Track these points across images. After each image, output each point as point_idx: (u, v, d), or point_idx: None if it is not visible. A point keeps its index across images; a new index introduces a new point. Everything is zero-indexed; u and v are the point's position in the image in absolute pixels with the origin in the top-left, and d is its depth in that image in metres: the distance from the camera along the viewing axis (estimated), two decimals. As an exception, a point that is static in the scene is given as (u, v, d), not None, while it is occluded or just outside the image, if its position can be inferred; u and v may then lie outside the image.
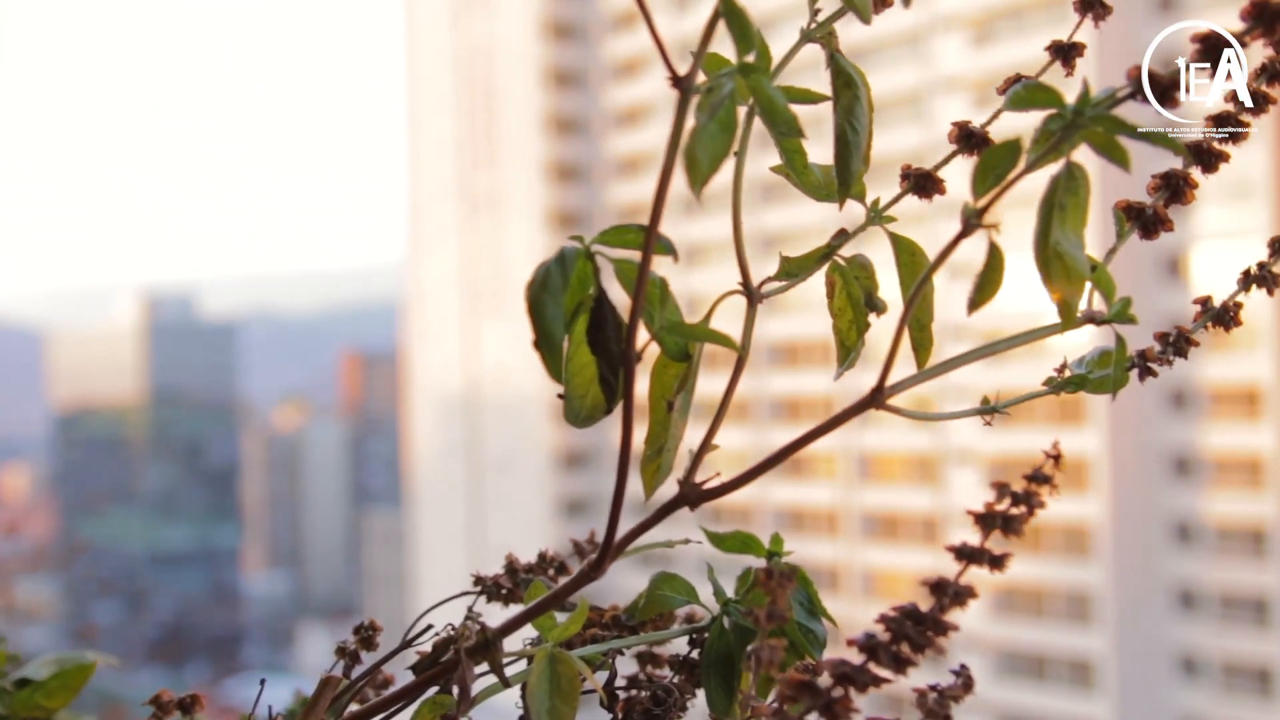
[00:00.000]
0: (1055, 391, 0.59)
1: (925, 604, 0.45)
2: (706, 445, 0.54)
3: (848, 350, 0.57)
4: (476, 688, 0.52)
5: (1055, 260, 0.51)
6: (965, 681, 0.45)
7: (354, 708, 0.58)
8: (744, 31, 0.48)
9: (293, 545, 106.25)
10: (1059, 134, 0.50)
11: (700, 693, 0.57)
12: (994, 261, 0.54)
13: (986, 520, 0.48)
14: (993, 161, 0.51)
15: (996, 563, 0.47)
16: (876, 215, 0.56)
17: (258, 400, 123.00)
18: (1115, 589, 32.69)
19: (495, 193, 47.54)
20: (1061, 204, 0.50)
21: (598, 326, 0.52)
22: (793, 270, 0.56)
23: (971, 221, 0.51)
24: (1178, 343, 0.57)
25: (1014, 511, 0.48)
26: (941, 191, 0.59)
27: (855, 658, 0.43)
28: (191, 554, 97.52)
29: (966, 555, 0.47)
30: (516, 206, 46.48)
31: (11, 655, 1.18)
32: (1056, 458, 0.49)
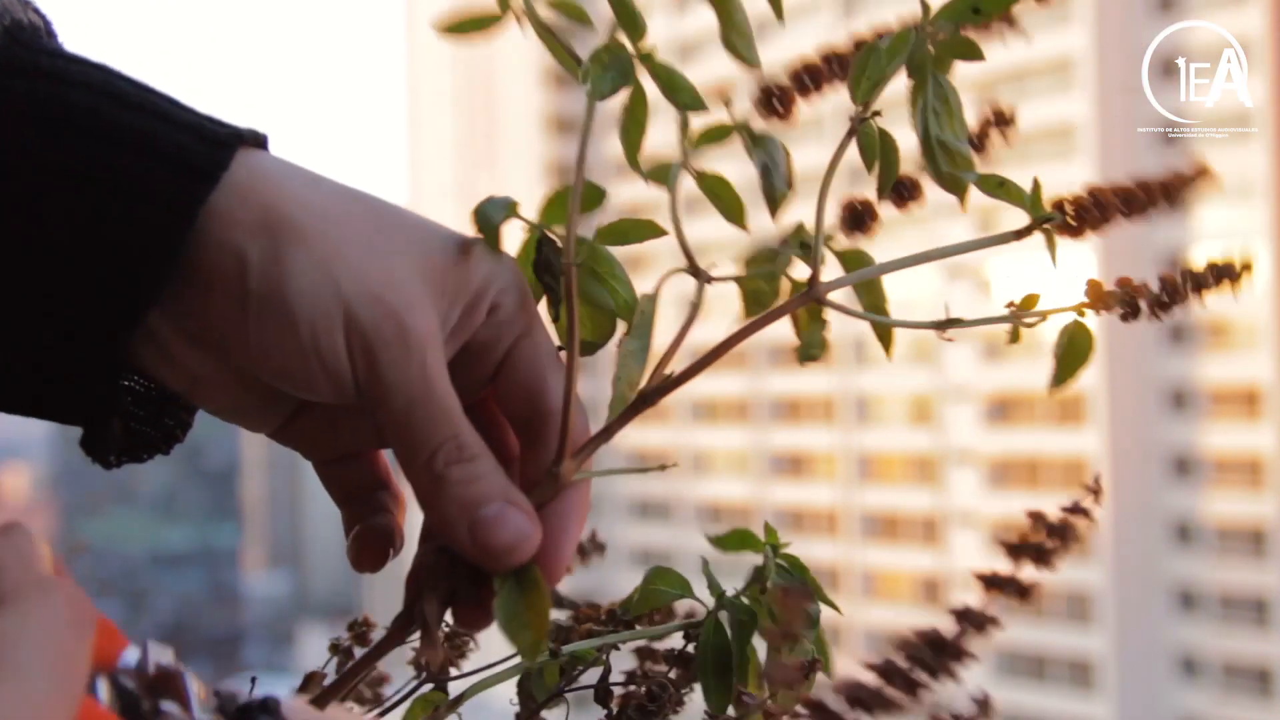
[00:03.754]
0: (1014, 324, 0.58)
1: (948, 629, 0.45)
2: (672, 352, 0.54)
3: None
4: (465, 684, 0.52)
5: (940, 149, 0.55)
6: (984, 708, 0.45)
7: (350, 704, 0.58)
8: (631, 19, 0.54)
9: (293, 545, 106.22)
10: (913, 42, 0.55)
11: (697, 688, 0.58)
12: (888, 146, 0.59)
13: (1018, 551, 0.47)
14: (865, 65, 0.55)
15: (1025, 593, 0.46)
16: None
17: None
18: (1115, 589, 32.69)
19: (495, 193, 47.39)
20: (935, 109, 0.55)
21: (539, 254, 0.58)
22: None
23: (857, 121, 0.55)
24: (1183, 285, 0.55)
25: (1049, 544, 0.47)
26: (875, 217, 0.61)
27: (870, 680, 0.43)
28: (191, 554, 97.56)
29: (995, 584, 0.46)
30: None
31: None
32: (1098, 492, 0.48)
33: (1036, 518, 0.47)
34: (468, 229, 0.60)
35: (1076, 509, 0.48)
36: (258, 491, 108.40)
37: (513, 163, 47.06)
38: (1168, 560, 32.72)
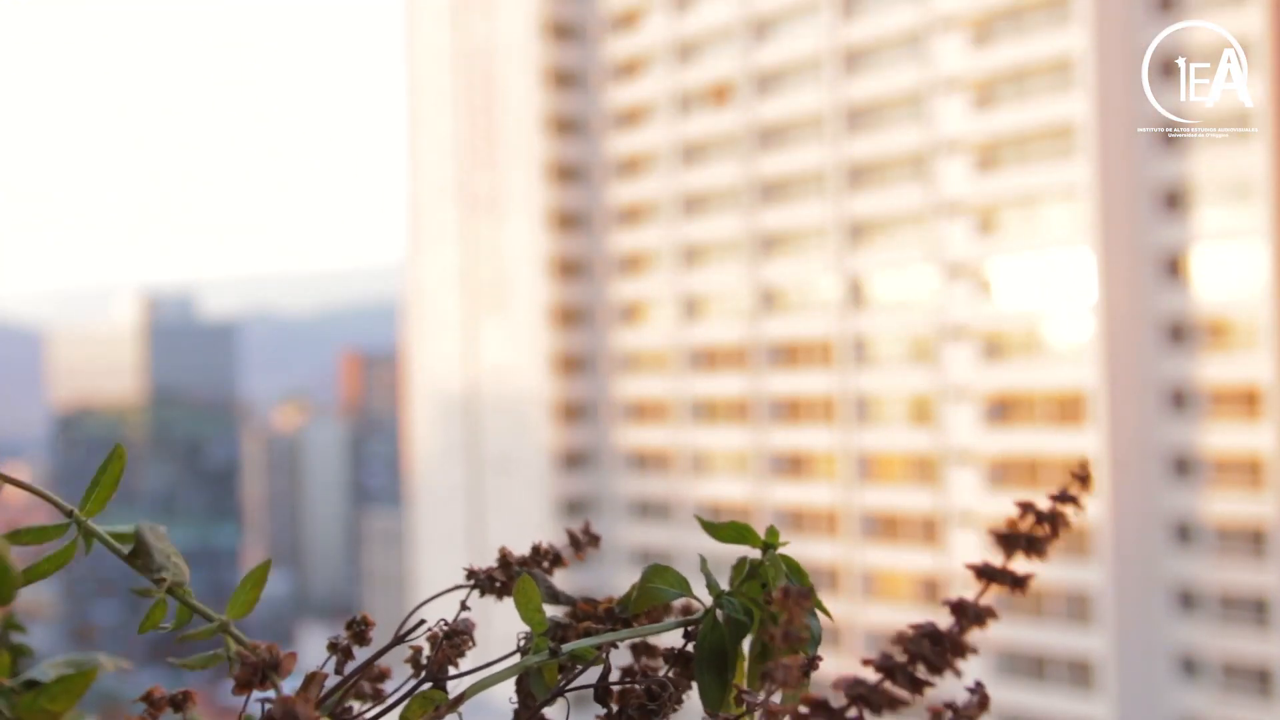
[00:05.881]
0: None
1: (944, 623, 0.44)
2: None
3: None
4: (466, 683, 0.52)
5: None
6: (981, 700, 0.44)
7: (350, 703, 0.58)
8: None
9: (293, 545, 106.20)
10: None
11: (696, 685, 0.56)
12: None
13: (1009, 541, 0.46)
14: None
15: (1019, 584, 0.46)
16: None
17: (258, 400, 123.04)
18: (1115, 589, 32.67)
19: (495, 193, 47.51)
20: None
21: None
22: None
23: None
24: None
25: (1038, 532, 0.46)
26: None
27: (871, 677, 0.42)
28: (191, 554, 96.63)
29: (989, 575, 0.46)
30: (516, 206, 46.45)
31: (23, 648, 1.18)
32: (1086, 479, 0.47)
33: (1026, 507, 0.47)
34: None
35: (1065, 497, 0.48)
36: (258, 491, 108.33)
37: (513, 163, 47.03)
38: (1168, 560, 32.71)
